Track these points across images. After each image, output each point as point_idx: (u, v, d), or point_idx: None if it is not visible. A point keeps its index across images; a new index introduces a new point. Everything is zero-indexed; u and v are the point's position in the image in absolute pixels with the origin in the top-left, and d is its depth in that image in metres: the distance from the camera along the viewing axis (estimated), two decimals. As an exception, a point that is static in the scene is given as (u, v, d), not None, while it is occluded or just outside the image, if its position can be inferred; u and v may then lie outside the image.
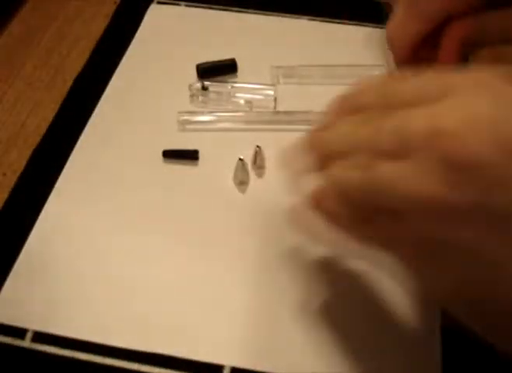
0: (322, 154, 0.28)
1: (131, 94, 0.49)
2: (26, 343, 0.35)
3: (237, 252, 0.39)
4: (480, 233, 0.24)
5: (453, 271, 0.26)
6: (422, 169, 0.23)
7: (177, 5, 0.57)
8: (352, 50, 0.51)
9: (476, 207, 0.23)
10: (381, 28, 0.52)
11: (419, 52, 0.33)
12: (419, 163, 0.23)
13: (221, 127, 0.47)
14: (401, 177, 0.24)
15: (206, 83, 0.48)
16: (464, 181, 0.23)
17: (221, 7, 0.56)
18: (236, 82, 0.49)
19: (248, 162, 0.43)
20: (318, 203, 0.28)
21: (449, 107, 0.23)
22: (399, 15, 0.34)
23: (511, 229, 0.23)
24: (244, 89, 0.49)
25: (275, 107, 0.48)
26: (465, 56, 0.32)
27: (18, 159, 0.44)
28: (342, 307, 0.36)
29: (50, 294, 0.37)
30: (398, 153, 0.24)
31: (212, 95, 0.48)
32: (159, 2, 0.57)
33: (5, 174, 0.43)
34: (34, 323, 0.35)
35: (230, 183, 0.43)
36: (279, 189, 0.42)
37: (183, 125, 0.46)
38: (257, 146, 0.43)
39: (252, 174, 0.43)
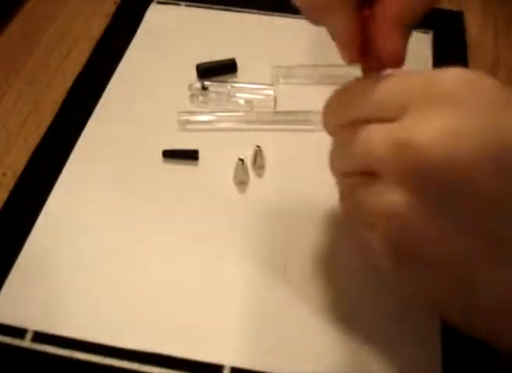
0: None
1: (130, 94, 0.49)
2: (26, 343, 0.35)
3: (237, 252, 0.39)
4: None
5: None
6: (390, 186, 0.25)
7: (177, 5, 0.57)
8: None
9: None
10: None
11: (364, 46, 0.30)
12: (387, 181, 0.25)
13: (221, 127, 0.47)
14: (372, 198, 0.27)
15: (206, 83, 0.48)
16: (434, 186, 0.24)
17: (221, 7, 0.56)
18: (236, 82, 0.49)
19: (248, 162, 0.43)
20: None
21: (413, 120, 0.24)
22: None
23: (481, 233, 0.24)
24: (244, 89, 0.49)
25: (275, 107, 0.48)
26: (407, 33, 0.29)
27: (18, 159, 0.44)
28: (342, 307, 0.36)
29: (51, 294, 0.37)
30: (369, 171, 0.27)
31: (212, 95, 0.48)
32: (159, 2, 0.57)
33: (5, 174, 0.43)
34: (34, 323, 0.35)
35: (230, 182, 0.43)
36: (279, 189, 0.42)
37: (183, 125, 0.46)
38: (257, 146, 0.43)
39: (252, 174, 0.43)
